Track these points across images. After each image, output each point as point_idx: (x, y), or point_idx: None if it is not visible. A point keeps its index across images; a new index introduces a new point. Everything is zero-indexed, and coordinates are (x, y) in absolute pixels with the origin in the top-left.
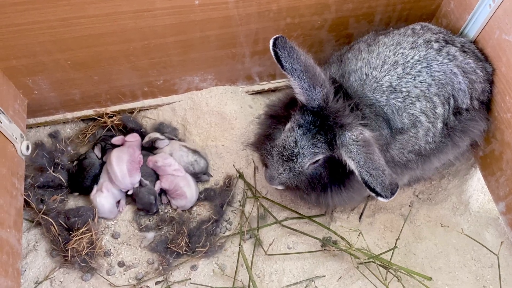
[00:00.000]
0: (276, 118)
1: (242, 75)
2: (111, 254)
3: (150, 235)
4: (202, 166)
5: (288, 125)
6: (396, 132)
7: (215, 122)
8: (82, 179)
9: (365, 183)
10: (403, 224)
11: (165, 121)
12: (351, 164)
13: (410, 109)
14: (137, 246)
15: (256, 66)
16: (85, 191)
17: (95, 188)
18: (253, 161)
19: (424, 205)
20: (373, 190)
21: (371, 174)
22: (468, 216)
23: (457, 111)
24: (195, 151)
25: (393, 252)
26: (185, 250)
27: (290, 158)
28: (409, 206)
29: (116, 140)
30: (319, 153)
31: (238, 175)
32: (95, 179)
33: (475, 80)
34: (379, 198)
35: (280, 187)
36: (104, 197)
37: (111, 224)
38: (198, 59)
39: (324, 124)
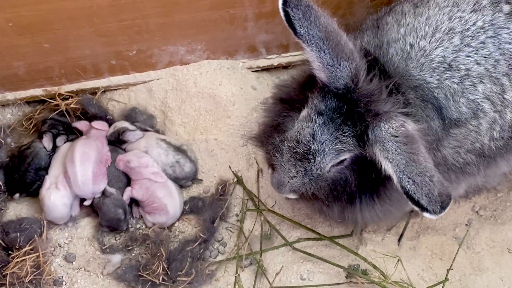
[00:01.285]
0: (288, 102)
1: (243, 46)
2: (64, 283)
3: (116, 258)
4: (187, 171)
5: (304, 112)
6: (451, 125)
7: (205, 108)
8: (24, 172)
9: (406, 193)
10: (458, 250)
11: (139, 106)
12: (388, 167)
13: (470, 93)
14: (98, 272)
15: (262, 34)
16: (27, 189)
17: (47, 181)
18: (256, 162)
19: (487, 225)
20: (416, 203)
21: (414, 182)
22: None
23: None
24: (178, 149)
25: (443, 287)
26: (163, 280)
27: (305, 157)
28: (466, 225)
29: (81, 124)
30: (345, 150)
31: (235, 180)
32: (40, 174)
33: None
34: (425, 214)
35: (291, 196)
36: (60, 197)
37: (64, 242)
38: (185, 22)
39: (352, 111)
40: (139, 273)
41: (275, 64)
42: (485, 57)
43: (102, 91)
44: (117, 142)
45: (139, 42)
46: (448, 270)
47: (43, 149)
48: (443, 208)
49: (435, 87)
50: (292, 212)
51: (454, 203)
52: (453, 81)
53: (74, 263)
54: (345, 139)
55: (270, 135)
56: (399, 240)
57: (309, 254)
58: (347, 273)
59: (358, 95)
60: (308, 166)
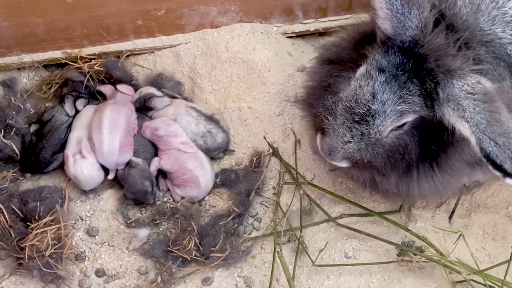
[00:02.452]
0: (338, 63)
1: (279, 7)
2: (86, 258)
3: (143, 233)
4: (219, 141)
5: (362, 69)
6: None
7: (238, 74)
8: (39, 150)
9: (487, 156)
10: None
11: (165, 72)
12: (465, 128)
13: None
14: (123, 248)
15: None
16: (40, 170)
17: (69, 154)
18: (293, 132)
19: None
20: (499, 167)
21: (496, 143)
22: None
23: None
24: (210, 118)
25: (508, 266)
26: (195, 256)
27: (363, 119)
28: None
29: (105, 88)
30: (409, 112)
31: (271, 151)
32: (57, 151)
33: None
34: (508, 180)
35: (343, 164)
36: (90, 165)
37: (86, 215)
38: None
39: (419, 68)
40: (168, 248)
41: (312, 29)
42: None
43: (125, 56)
44: (142, 109)
45: (169, 0)
46: None
47: (64, 120)
48: None
49: (508, 43)
50: (333, 186)
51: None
52: None
53: (96, 237)
54: (411, 99)
55: (320, 96)
56: (450, 217)
57: (356, 230)
58: (399, 250)
59: (427, 49)
60: (366, 129)
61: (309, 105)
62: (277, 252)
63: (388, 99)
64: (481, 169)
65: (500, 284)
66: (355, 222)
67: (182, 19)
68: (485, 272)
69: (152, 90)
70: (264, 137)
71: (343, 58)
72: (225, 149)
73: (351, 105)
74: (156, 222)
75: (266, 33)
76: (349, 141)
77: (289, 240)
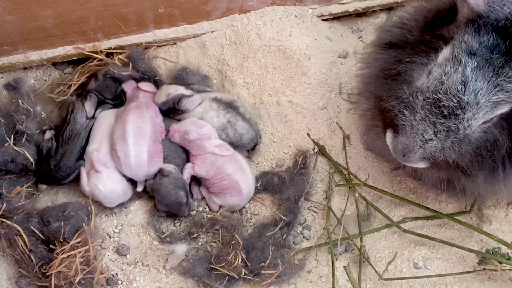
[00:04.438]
0: (404, 47)
1: None
2: (119, 282)
3: (180, 249)
4: (241, 132)
5: (445, 53)
6: None
7: (274, 64)
8: (61, 157)
9: None
10: None
11: (190, 66)
12: None
13: None
14: (160, 267)
15: None
16: (59, 182)
17: (83, 170)
18: (340, 127)
19: None
20: None
21: None
22: None
23: None
24: (228, 105)
25: None
26: (244, 274)
27: (453, 113)
28: None
29: (127, 85)
30: (507, 101)
31: (316, 149)
32: (80, 158)
33: None
34: None
35: (421, 165)
36: (106, 178)
37: (113, 232)
38: None
39: None
40: (212, 265)
41: (351, 10)
42: None
43: (145, 48)
44: (170, 112)
45: None
46: None
47: (84, 124)
48: None
49: None
50: (391, 186)
51: None
52: None
53: (128, 256)
54: (510, 86)
55: (389, 87)
56: None
57: (424, 236)
58: (480, 258)
59: None
60: (454, 124)
61: (376, 98)
62: (345, 267)
63: (482, 87)
64: None
65: None
66: (421, 226)
67: (208, 4)
68: None
69: (181, 90)
70: (308, 134)
71: (412, 41)
72: (254, 146)
73: (437, 97)
74: (194, 236)
75: (301, 17)
76: (431, 139)
77: (346, 250)
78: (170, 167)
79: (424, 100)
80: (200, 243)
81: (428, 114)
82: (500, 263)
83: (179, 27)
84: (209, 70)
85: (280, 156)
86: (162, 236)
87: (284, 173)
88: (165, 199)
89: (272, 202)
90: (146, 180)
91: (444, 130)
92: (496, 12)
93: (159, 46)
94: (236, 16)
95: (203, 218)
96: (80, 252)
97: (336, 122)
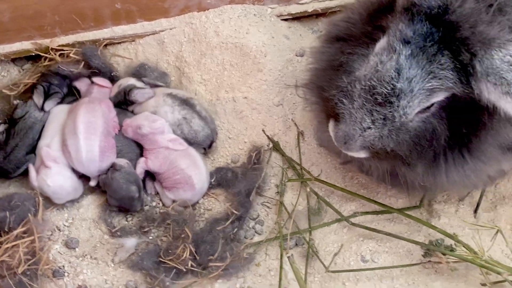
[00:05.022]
0: (349, 39)
1: None
2: (65, 274)
3: (130, 242)
4: (196, 129)
5: (382, 43)
6: None
7: (231, 61)
8: (11, 150)
9: None
10: None
11: (148, 62)
12: (509, 106)
13: None
14: (108, 260)
15: None
16: (7, 175)
17: (31, 166)
18: (295, 123)
19: None
20: None
21: None
22: None
23: None
24: (184, 102)
25: None
26: (191, 266)
27: (387, 100)
28: None
29: (80, 83)
30: (440, 89)
31: (271, 145)
32: (30, 151)
33: None
34: None
35: (361, 154)
36: (55, 174)
37: (64, 225)
38: None
39: (451, 37)
40: (160, 259)
41: (310, 10)
42: None
43: (103, 45)
44: (123, 103)
45: None
46: None
47: (38, 117)
48: None
49: None
50: (343, 181)
51: None
52: None
53: (77, 249)
54: (443, 74)
55: (331, 78)
56: (475, 211)
57: (373, 230)
58: (425, 251)
59: (458, 16)
60: (390, 112)
61: (318, 89)
62: (288, 257)
63: (416, 75)
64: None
65: None
66: (371, 221)
67: (166, 1)
68: None
69: (132, 81)
70: (263, 130)
71: (355, 34)
72: (210, 144)
73: (371, 84)
74: (145, 230)
75: (260, 16)
76: (369, 127)
77: (296, 244)
78: (122, 162)
79: (361, 88)
80: (150, 237)
81: (365, 102)
82: (444, 254)
83: (137, 24)
84: (168, 67)
85: (235, 152)
86: (113, 230)
87: (238, 169)
88: (116, 193)
89: (226, 197)
90: (99, 175)
91: (380, 118)
92: (429, 1)
93: (118, 43)
94: (194, 14)
95: (156, 213)
96: (25, 242)
97: (292, 119)
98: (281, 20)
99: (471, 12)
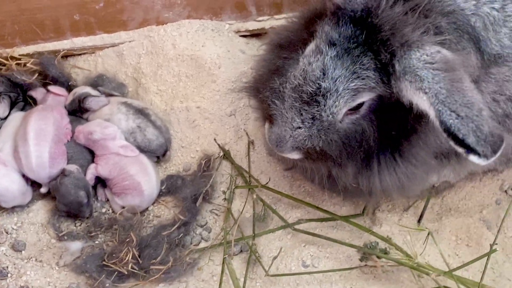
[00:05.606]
0: (288, 47)
1: (229, 2)
2: (9, 275)
3: (75, 246)
4: (150, 137)
5: (312, 45)
6: (490, 62)
7: (186, 73)
8: None
9: (448, 130)
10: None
11: (107, 73)
12: (423, 101)
13: None
14: (53, 263)
15: None
16: None
17: None
18: (246, 133)
19: None
20: (461, 142)
21: (458, 115)
22: None
23: None
24: (139, 111)
25: (486, 266)
26: (132, 268)
27: (313, 99)
28: (497, 204)
29: (36, 92)
30: (364, 89)
31: (222, 154)
32: None
33: None
34: (472, 158)
35: (294, 156)
36: (4, 176)
37: (12, 228)
38: None
39: (373, 39)
40: (104, 262)
41: (267, 27)
42: None
43: (64, 56)
44: (78, 111)
45: None
46: (491, 245)
47: None
48: (494, 152)
49: (471, 14)
50: (290, 189)
51: (479, 181)
52: (493, 7)
53: (23, 252)
54: (365, 74)
55: (267, 81)
56: (419, 221)
57: (313, 235)
58: (361, 255)
59: (380, 19)
60: (317, 111)
61: (255, 91)
62: (225, 258)
63: (340, 75)
64: (449, 164)
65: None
66: (314, 227)
67: (124, 13)
68: (456, 274)
69: (86, 89)
70: (215, 139)
71: (293, 40)
72: (164, 152)
73: (299, 83)
74: (92, 235)
75: (218, 31)
76: (299, 127)
77: (241, 251)
78: (72, 167)
79: (290, 88)
80: (97, 242)
81: (294, 102)
82: (379, 258)
83: (97, 36)
84: (126, 78)
85: (187, 160)
86: (60, 235)
87: (189, 176)
88: (64, 198)
89: (175, 204)
90: (50, 182)
91: (309, 117)
92: (353, 4)
93: (79, 54)
94: (153, 27)
95: (104, 219)
96: None
97: (244, 129)
98: (239, 36)
99: (393, 16)
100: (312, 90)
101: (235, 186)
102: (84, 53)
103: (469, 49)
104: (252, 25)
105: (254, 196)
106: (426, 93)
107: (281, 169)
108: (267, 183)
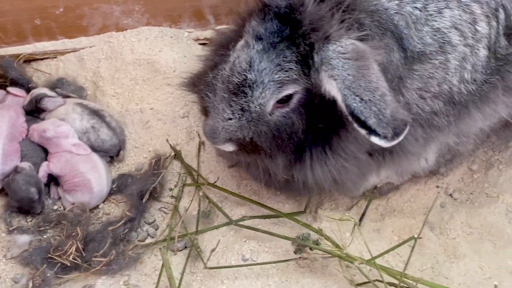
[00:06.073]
0: (227, 45)
1: (188, 10)
2: None
3: (23, 239)
4: (103, 138)
5: (242, 41)
6: (413, 59)
7: (143, 76)
8: None
9: (352, 113)
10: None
11: (67, 77)
12: (332, 87)
13: (435, 20)
14: (1, 256)
15: None
16: None
17: None
18: (198, 135)
19: (462, 209)
20: (363, 124)
21: (362, 99)
22: None
23: (510, 33)
24: (94, 112)
25: (412, 252)
26: (74, 259)
27: (241, 90)
28: (441, 207)
29: (13, 90)
30: (289, 81)
31: (173, 154)
32: None
33: None
34: (374, 139)
35: (228, 148)
36: None
37: None
38: None
39: (296, 33)
40: (49, 255)
41: None
42: None
43: (26, 60)
44: (35, 111)
45: None
46: (416, 238)
47: None
48: (396, 134)
49: (395, 13)
50: (237, 188)
51: (424, 177)
52: (415, 6)
53: None
54: (288, 66)
55: (202, 75)
56: (361, 220)
57: (253, 229)
58: (296, 247)
59: (303, 15)
60: (245, 102)
61: (192, 86)
62: (160, 249)
63: (266, 67)
64: (385, 163)
65: (400, 276)
66: (257, 224)
67: (84, 19)
68: (371, 260)
69: (43, 90)
70: (167, 140)
71: (232, 39)
72: (117, 152)
73: (227, 75)
74: (40, 229)
75: (176, 38)
76: (230, 118)
77: (185, 247)
78: (25, 165)
79: (220, 80)
80: (45, 236)
81: (223, 94)
82: (311, 249)
83: (58, 40)
84: (85, 82)
85: (140, 160)
86: (10, 229)
87: (140, 175)
88: (16, 194)
89: (125, 203)
90: (3, 179)
91: (238, 108)
92: (277, 1)
93: (41, 59)
94: (113, 33)
95: (54, 215)
96: None
97: (196, 131)
98: (199, 44)
99: (315, 12)
100: (238, 81)
101: (183, 184)
102: (46, 58)
103: (392, 46)
104: (210, 34)
105: (200, 194)
106: (335, 79)
107: (233, 170)
108: (216, 182)
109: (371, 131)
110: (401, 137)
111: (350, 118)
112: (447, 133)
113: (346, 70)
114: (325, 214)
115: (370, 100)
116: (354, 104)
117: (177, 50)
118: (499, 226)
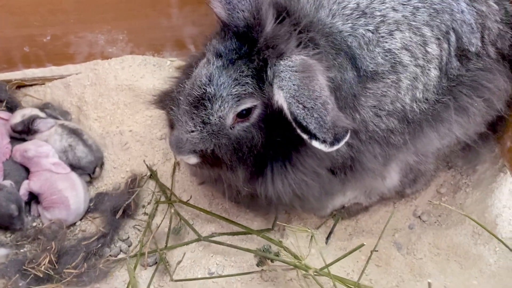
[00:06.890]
0: (196, 65)
1: (170, 39)
2: None
3: (1, 253)
4: (79, 155)
5: (204, 59)
6: (367, 78)
7: (124, 101)
8: None
9: (295, 119)
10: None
11: (54, 102)
12: (280, 97)
13: (386, 42)
14: None
15: (188, 25)
16: None
17: None
18: (174, 156)
19: (430, 230)
20: (305, 129)
21: (304, 107)
22: (495, 246)
23: (462, 55)
24: (72, 131)
25: (365, 268)
26: (47, 271)
27: (201, 103)
28: (410, 228)
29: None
30: (245, 95)
31: (149, 174)
32: None
33: (487, 15)
34: (315, 143)
35: (192, 160)
36: None
37: None
38: (102, 3)
39: (253, 50)
40: (24, 267)
41: None
42: (402, 4)
43: (17, 87)
44: (26, 132)
45: (53, 25)
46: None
47: None
48: (336, 140)
49: (348, 35)
50: (209, 207)
51: (393, 206)
52: (368, 29)
53: None
54: (244, 80)
55: (170, 92)
56: (328, 238)
57: (218, 243)
58: (258, 260)
59: (260, 34)
60: (206, 115)
61: (159, 102)
62: (125, 259)
63: (224, 82)
64: (347, 180)
65: (354, 286)
66: (226, 240)
67: (70, 47)
68: (324, 268)
69: (35, 111)
70: (144, 160)
71: (199, 59)
72: (93, 169)
73: (189, 89)
74: (18, 244)
75: (159, 66)
76: (192, 130)
77: (156, 262)
78: (6, 183)
79: (183, 95)
80: (22, 250)
81: (185, 107)
82: (272, 261)
83: (46, 68)
84: (71, 107)
85: (117, 180)
86: None
87: (116, 194)
88: None
89: (100, 219)
90: None
91: (200, 121)
92: (235, 20)
93: (30, 85)
94: (99, 61)
95: (32, 231)
96: None
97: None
98: None
99: (272, 31)
100: (198, 94)
101: (156, 201)
102: (35, 84)
103: (346, 65)
104: None
105: (172, 211)
106: (282, 89)
107: (203, 189)
108: (188, 200)
109: (312, 135)
110: (341, 143)
111: (293, 124)
112: (406, 152)
113: (292, 81)
114: (293, 232)
115: (312, 107)
116: (298, 111)
117: (159, 76)
118: (465, 247)
